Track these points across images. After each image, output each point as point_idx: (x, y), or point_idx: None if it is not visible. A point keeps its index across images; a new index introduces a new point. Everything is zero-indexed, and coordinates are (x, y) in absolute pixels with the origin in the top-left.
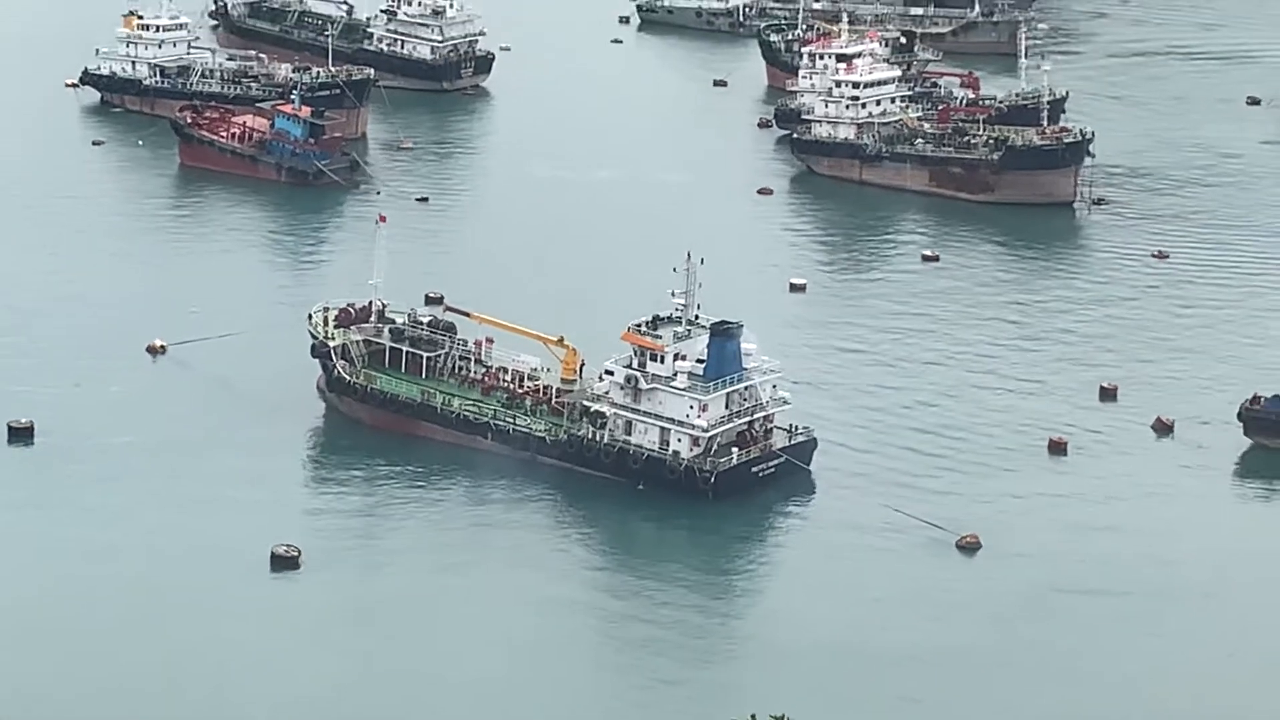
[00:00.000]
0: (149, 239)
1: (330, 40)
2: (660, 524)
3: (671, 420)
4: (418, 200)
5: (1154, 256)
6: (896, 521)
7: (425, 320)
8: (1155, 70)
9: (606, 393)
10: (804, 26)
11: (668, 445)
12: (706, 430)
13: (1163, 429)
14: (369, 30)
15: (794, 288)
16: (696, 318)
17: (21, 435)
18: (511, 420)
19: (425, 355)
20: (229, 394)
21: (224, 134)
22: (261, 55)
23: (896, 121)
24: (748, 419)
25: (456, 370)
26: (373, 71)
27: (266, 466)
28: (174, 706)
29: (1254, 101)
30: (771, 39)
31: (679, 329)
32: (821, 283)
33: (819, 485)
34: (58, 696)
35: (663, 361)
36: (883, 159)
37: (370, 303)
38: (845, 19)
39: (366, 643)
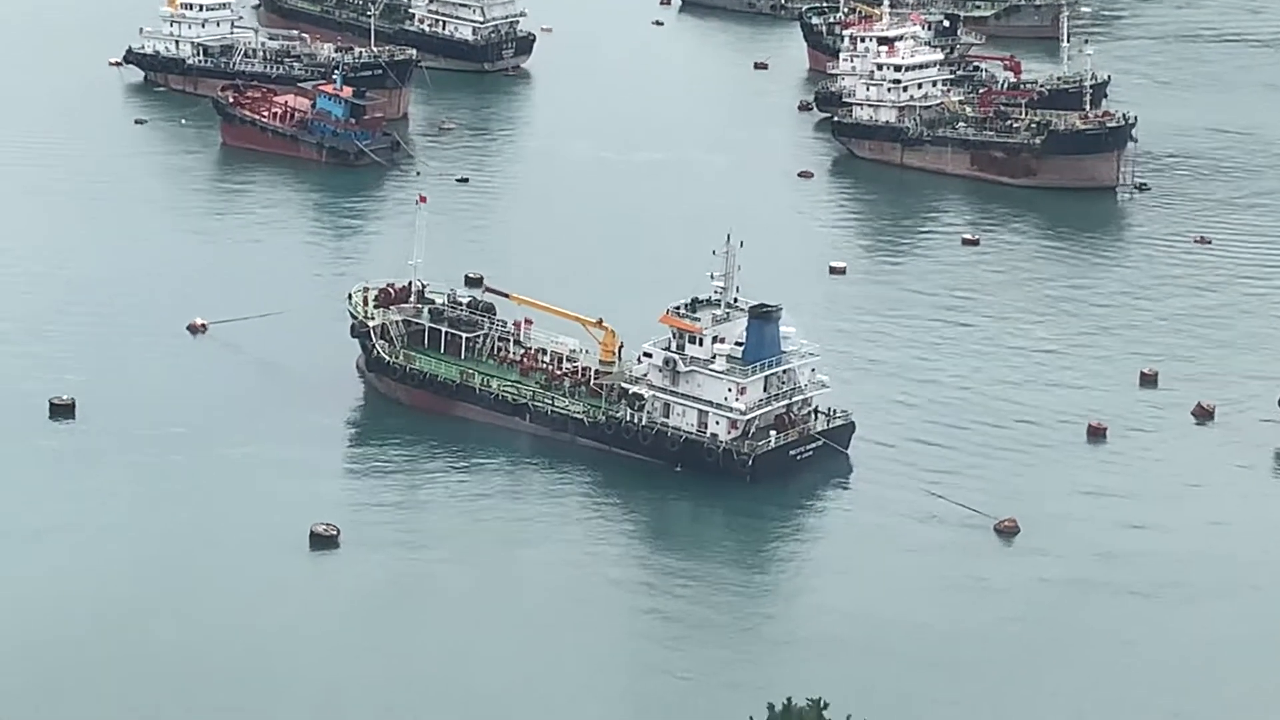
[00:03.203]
0: (191, 218)
1: (372, 20)
2: (697, 507)
3: (710, 403)
4: (458, 181)
5: (1196, 242)
6: (934, 506)
7: (464, 301)
8: (1200, 54)
9: (645, 375)
10: (846, 9)
11: (706, 428)
12: (744, 413)
13: (1203, 415)
14: (411, 11)
15: (834, 271)
16: (735, 300)
17: (63, 412)
18: (550, 401)
19: (464, 336)
20: (269, 373)
21: (266, 113)
22: (304, 35)
23: (938, 105)
24: (786, 402)
25: (495, 351)
26: (415, 52)
27: (306, 445)
28: (212, 684)
29: None
30: (813, 21)
31: (718, 311)
32: (861, 266)
33: (857, 469)
34: (97, 674)
35: (701, 344)
36: (924, 142)
37: (410, 283)
38: (887, 2)
39: (405, 621)
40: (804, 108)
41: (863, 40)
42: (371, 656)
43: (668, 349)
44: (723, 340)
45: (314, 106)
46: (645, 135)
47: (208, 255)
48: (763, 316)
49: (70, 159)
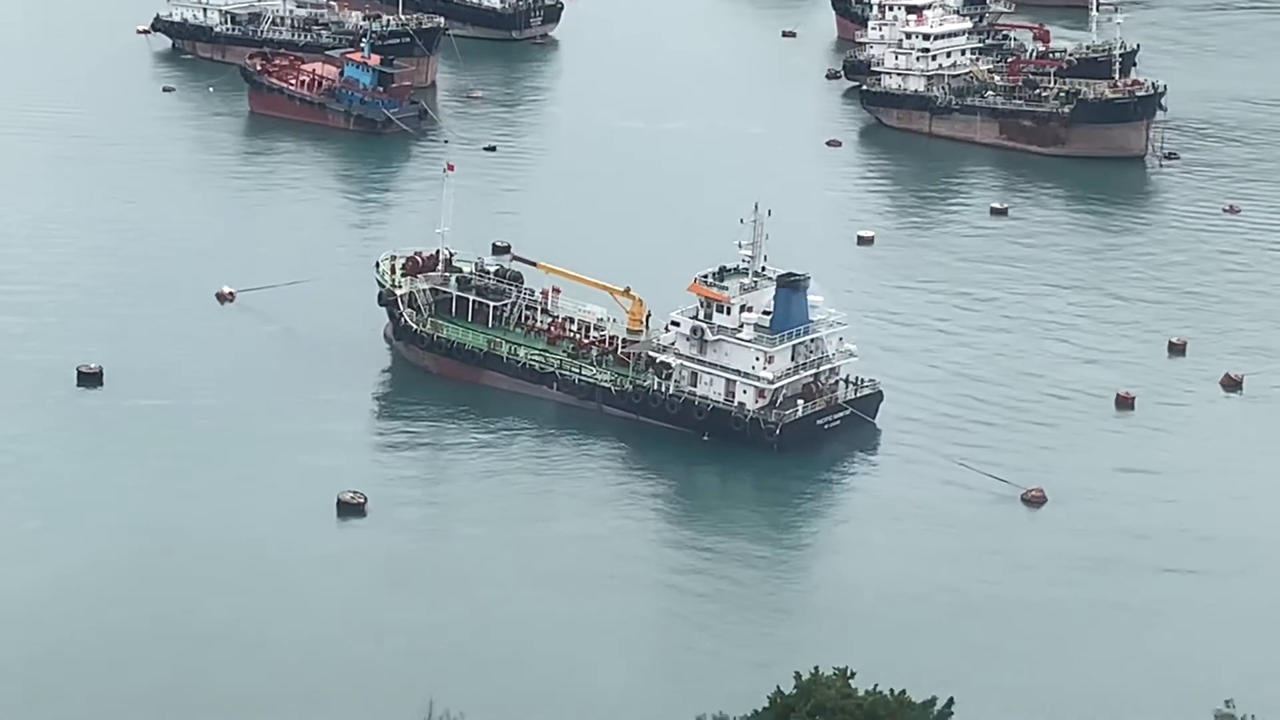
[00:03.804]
0: (218, 186)
1: None
2: (725, 475)
3: (737, 372)
4: (486, 149)
5: (1225, 211)
6: (961, 475)
7: (492, 269)
8: (1229, 23)
9: (672, 344)
10: None
11: (733, 397)
12: (772, 382)
13: (1231, 385)
14: None
15: (861, 240)
16: (763, 269)
17: (90, 380)
18: (577, 370)
19: (492, 304)
20: (296, 341)
21: (293, 81)
22: (332, 3)
23: (966, 74)
24: (813, 371)
25: (523, 319)
26: (443, 20)
27: (333, 413)
28: (239, 652)
29: None
30: None
31: (746, 280)
32: (889, 235)
33: (884, 438)
34: (125, 640)
35: (729, 313)
36: (952, 111)
37: (437, 251)
38: None
39: (431, 589)
40: (832, 76)
41: (891, 9)
42: (398, 624)
43: (695, 318)
44: (750, 309)
45: (342, 74)
46: (673, 104)
47: (235, 223)
48: (790, 285)
49: (97, 126)
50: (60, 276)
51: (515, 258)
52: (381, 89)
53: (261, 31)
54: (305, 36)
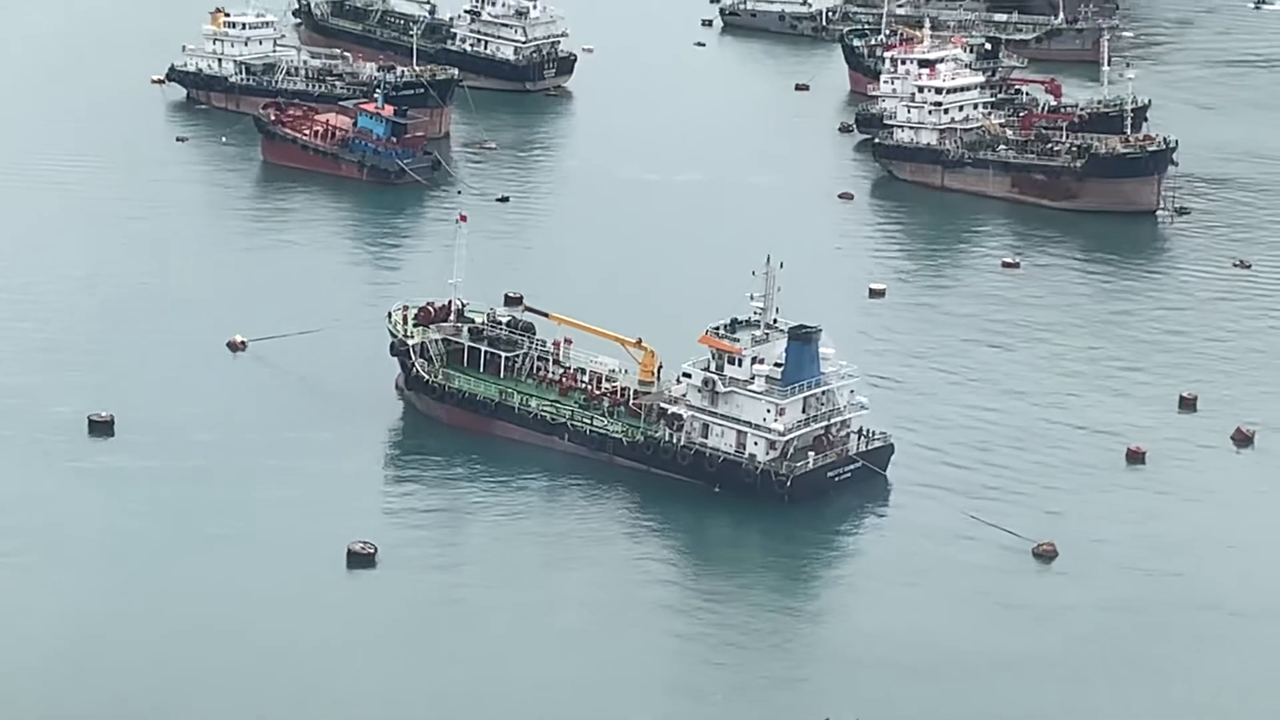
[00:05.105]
0: (231, 235)
1: (414, 40)
2: (736, 527)
3: (748, 424)
4: (499, 200)
5: (1236, 265)
6: (972, 528)
7: (504, 320)
8: (1241, 79)
9: (684, 395)
10: (887, 31)
11: (744, 448)
12: (783, 434)
13: (1242, 440)
14: (452, 30)
15: (873, 293)
16: (775, 321)
17: (102, 429)
18: (588, 421)
19: (504, 355)
20: (308, 391)
21: (307, 132)
22: (346, 54)
23: (979, 127)
24: (825, 423)
25: (534, 370)
26: (456, 71)
27: (344, 463)
28: (248, 702)
29: None
30: (854, 43)
31: (757, 332)
32: (901, 288)
33: (895, 491)
34: (133, 693)
35: (740, 365)
36: (965, 165)
37: (449, 302)
38: (928, 24)
39: (441, 641)
40: (845, 129)
41: (904, 62)
42: (408, 675)
43: (707, 369)
44: (762, 361)
45: (355, 125)
46: (686, 156)
47: (248, 273)
48: (802, 338)
49: (111, 176)
50: (71, 324)
51: (527, 309)
52: (395, 139)
53: (276, 82)
54: (319, 87)
